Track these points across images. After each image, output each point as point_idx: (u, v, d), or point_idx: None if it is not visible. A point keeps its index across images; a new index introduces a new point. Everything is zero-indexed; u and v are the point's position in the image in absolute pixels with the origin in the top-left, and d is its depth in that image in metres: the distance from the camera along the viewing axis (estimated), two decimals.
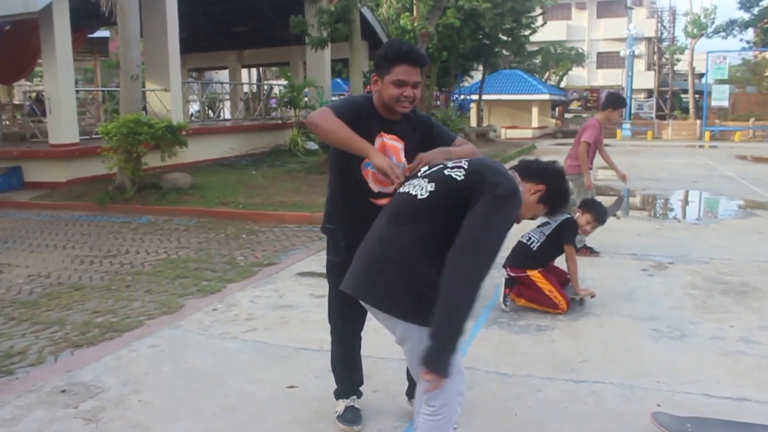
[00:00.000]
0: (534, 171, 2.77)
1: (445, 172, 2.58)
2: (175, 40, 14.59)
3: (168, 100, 14.58)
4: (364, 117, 3.02)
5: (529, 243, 5.54)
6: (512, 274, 5.47)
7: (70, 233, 9.15)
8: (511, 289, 5.47)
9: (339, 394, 3.56)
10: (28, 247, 8.31)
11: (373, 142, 2.98)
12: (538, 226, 5.60)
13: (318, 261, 7.14)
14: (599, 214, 5.78)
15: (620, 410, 3.63)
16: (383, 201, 2.85)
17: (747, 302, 5.59)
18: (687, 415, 3.47)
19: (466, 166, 2.57)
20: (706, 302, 5.60)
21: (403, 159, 3.02)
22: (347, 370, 3.55)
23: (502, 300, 5.44)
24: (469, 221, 2.38)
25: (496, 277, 6.01)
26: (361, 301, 2.66)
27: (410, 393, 3.56)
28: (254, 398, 3.80)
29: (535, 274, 5.40)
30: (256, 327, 5.04)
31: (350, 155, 2.94)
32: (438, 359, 2.30)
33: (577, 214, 5.79)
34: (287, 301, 5.74)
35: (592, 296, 5.52)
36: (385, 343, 4.29)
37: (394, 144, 3.03)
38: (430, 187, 2.55)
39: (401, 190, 2.69)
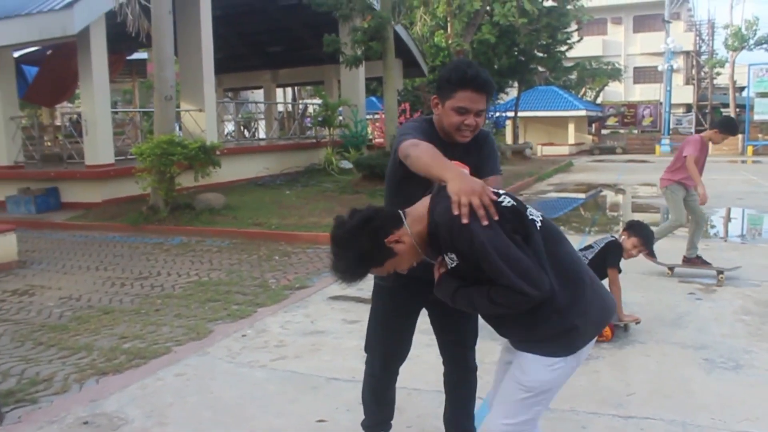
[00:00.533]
0: None
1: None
2: (210, 60, 14.66)
3: (203, 120, 14.63)
4: (432, 142, 2.70)
5: None
6: None
7: (103, 254, 9.13)
8: None
9: (366, 429, 3.35)
10: (62, 268, 8.29)
11: None
12: (581, 249, 5.34)
13: None
14: (647, 239, 5.41)
15: None
16: None
17: None
18: None
19: None
20: (761, 329, 5.28)
21: None
22: (378, 404, 3.32)
23: None
24: None
25: None
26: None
27: None
28: None
29: None
30: (286, 354, 4.87)
31: (417, 181, 2.60)
32: None
33: (623, 237, 5.45)
34: (319, 326, 5.56)
35: (637, 322, 5.25)
36: (420, 372, 4.11)
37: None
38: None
39: (540, 218, 2.33)
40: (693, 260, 7.33)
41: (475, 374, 3.18)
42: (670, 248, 7.63)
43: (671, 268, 7.27)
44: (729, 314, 5.70)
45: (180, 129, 14.01)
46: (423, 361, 4.47)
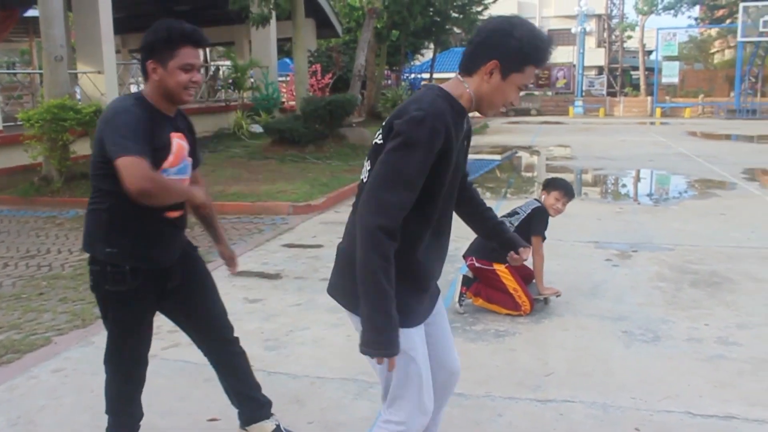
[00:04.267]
0: (474, 57, 2.23)
1: (374, 141, 2.17)
2: (108, 17, 13.64)
3: (102, 83, 13.68)
4: (156, 124, 2.56)
5: None
6: (477, 265, 4.91)
7: None
8: (468, 287, 4.96)
9: None
10: None
11: (170, 147, 2.61)
12: (506, 215, 5.08)
13: (255, 258, 6.55)
14: (566, 188, 5.16)
15: None
16: (175, 213, 2.68)
17: (719, 295, 5.18)
18: None
19: (384, 123, 2.15)
20: (676, 296, 5.18)
21: (188, 158, 2.76)
22: (130, 409, 2.92)
23: (457, 300, 4.93)
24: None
25: (449, 272, 5.52)
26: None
27: (243, 418, 3.11)
28: None
29: (501, 269, 4.85)
30: (180, 341, 4.39)
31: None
32: (369, 341, 1.99)
33: (543, 195, 5.20)
34: None
35: (558, 295, 5.04)
36: (325, 357, 3.76)
37: (181, 143, 2.69)
38: (368, 165, 2.17)
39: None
40: None
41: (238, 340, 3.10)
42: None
43: None
44: (645, 281, 5.59)
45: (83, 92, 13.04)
46: (329, 344, 4.14)
